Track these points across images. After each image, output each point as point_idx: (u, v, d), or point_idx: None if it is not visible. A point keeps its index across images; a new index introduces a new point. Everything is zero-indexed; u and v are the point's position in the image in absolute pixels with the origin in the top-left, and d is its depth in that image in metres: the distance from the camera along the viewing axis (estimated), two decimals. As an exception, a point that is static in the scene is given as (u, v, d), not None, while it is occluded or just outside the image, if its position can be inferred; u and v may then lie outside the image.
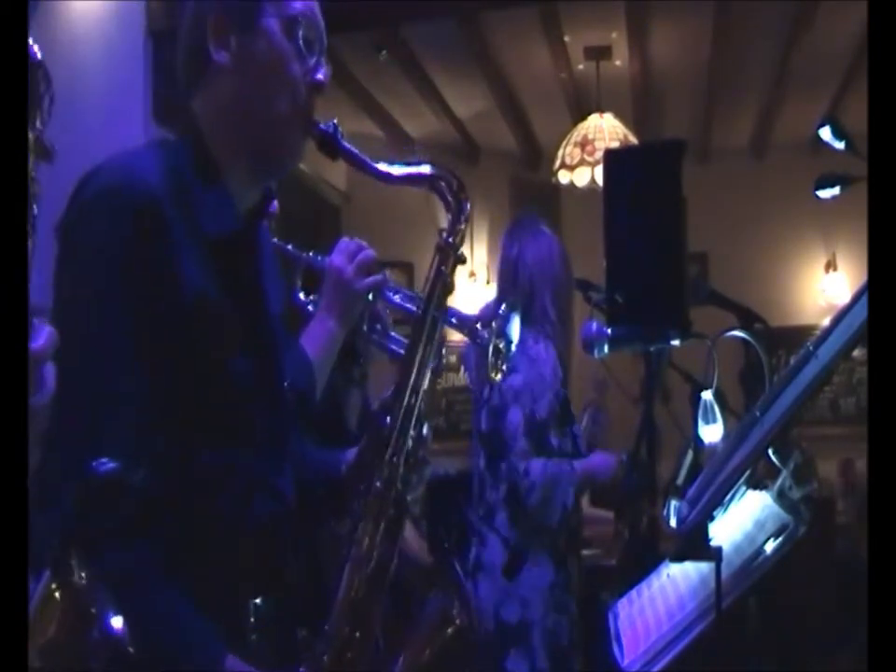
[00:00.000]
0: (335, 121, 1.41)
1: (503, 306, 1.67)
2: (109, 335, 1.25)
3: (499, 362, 1.63)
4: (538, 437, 2.80)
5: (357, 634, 1.34)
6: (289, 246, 1.86)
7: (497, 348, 1.62)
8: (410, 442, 1.41)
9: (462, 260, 1.47)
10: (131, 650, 0.86)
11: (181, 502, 1.27)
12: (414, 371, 1.42)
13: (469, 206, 1.46)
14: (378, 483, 1.38)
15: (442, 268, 1.45)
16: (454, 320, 1.69)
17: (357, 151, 1.43)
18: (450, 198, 1.46)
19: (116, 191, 1.28)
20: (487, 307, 3.07)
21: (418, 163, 1.46)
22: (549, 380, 2.82)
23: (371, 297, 1.78)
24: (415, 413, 1.41)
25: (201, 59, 1.38)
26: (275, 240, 1.87)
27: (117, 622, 0.87)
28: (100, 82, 3.76)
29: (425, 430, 1.45)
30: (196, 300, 1.29)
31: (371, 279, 1.76)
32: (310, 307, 1.84)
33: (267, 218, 1.88)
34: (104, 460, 0.97)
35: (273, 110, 1.37)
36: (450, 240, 1.45)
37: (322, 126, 1.40)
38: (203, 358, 1.30)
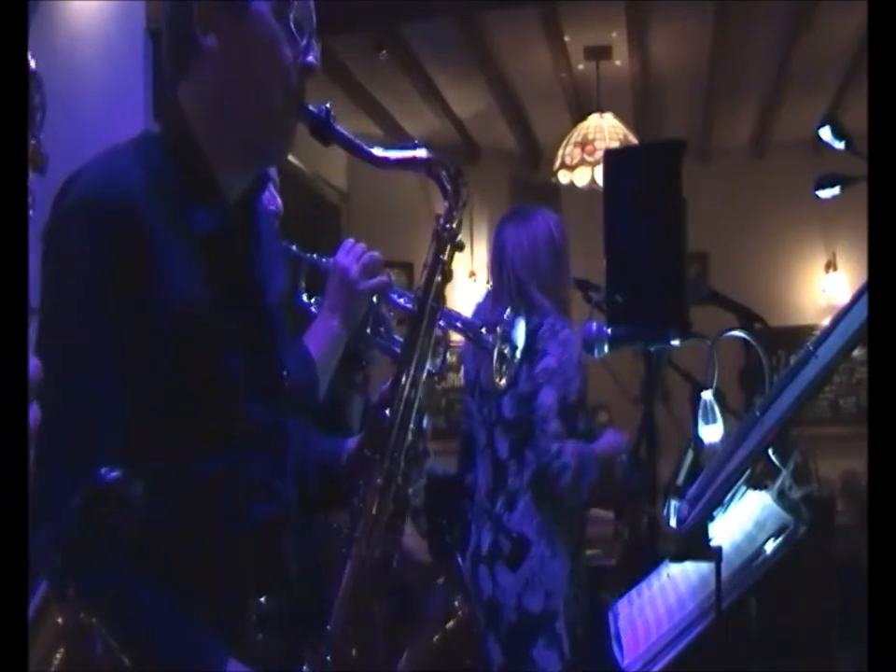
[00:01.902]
0: (327, 105, 1.37)
1: (508, 311, 1.67)
2: (92, 344, 1.22)
3: (504, 367, 1.62)
4: (569, 419, 2.80)
5: (360, 632, 1.33)
6: (293, 248, 1.85)
7: (502, 354, 1.61)
8: (410, 436, 1.40)
9: (460, 248, 1.43)
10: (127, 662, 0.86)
11: (180, 507, 1.25)
12: (413, 363, 1.40)
13: (466, 192, 1.43)
14: (379, 480, 1.37)
15: (441, 255, 1.42)
16: (459, 325, 1.68)
17: (350, 136, 1.39)
18: (447, 184, 1.42)
19: (93, 199, 1.24)
20: (480, 307, 3.08)
21: (413, 147, 1.42)
22: (579, 363, 2.83)
23: (375, 299, 1.77)
24: (415, 405, 1.39)
25: (187, 45, 1.32)
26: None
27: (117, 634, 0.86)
28: (100, 82, 3.76)
29: (424, 423, 1.43)
30: (181, 302, 1.26)
31: (375, 280, 1.74)
32: (313, 309, 1.83)
33: (272, 216, 1.87)
34: (107, 469, 0.96)
35: (265, 95, 1.32)
36: (447, 226, 1.42)
37: (314, 110, 1.36)
38: (193, 362, 1.27)
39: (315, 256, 1.84)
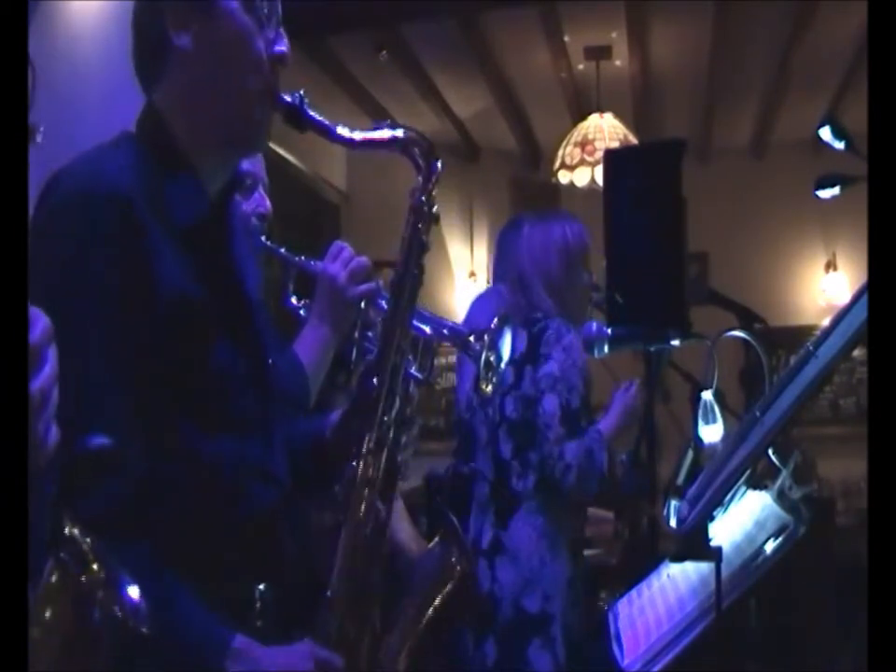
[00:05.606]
0: (301, 93, 1.40)
1: (495, 320, 1.69)
2: (88, 341, 1.23)
3: (490, 375, 1.64)
4: (571, 424, 2.79)
5: (359, 597, 1.36)
6: (282, 250, 1.86)
7: (488, 361, 1.64)
8: (398, 402, 1.44)
9: (436, 219, 1.50)
10: (137, 628, 0.84)
11: (176, 494, 1.27)
12: (398, 330, 1.44)
13: (438, 166, 1.48)
14: (371, 445, 1.40)
15: (419, 225, 1.49)
16: (446, 332, 1.70)
17: (322, 120, 1.42)
18: (420, 160, 1.47)
19: (83, 196, 1.26)
20: (476, 307, 3.10)
21: (385, 128, 1.47)
22: (581, 367, 2.82)
23: (363, 304, 1.79)
24: (401, 372, 1.44)
25: (160, 47, 1.36)
26: (269, 243, 1.87)
27: (120, 599, 0.85)
28: (99, 81, 3.76)
29: (411, 389, 1.48)
30: (173, 293, 1.28)
31: (364, 287, 1.77)
32: (301, 311, 1.84)
33: (259, 219, 1.88)
34: (92, 436, 0.95)
35: (241, 88, 1.36)
36: (422, 198, 1.49)
37: (287, 98, 1.39)
38: (185, 351, 1.29)
39: (303, 259, 1.85)
